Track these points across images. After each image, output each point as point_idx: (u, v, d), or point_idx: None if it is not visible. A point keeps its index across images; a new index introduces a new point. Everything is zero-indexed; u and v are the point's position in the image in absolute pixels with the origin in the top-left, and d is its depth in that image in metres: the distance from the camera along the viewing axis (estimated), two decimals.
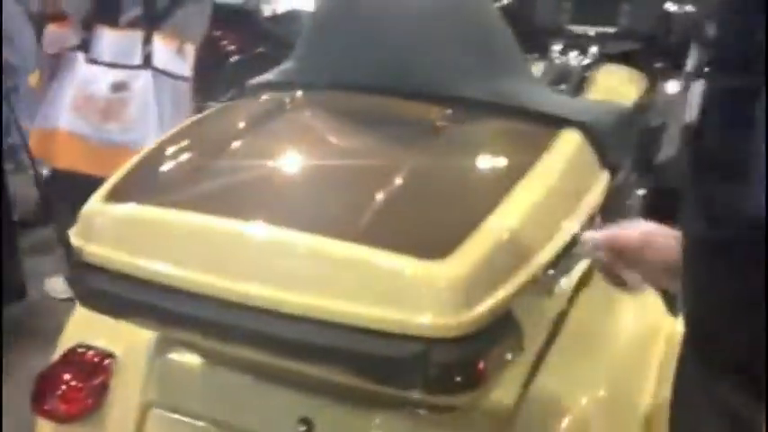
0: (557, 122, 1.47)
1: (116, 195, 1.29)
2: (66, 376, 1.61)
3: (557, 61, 2.42)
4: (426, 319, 1.05)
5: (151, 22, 2.72)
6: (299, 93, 1.60)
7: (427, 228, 1.16)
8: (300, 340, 1.11)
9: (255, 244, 1.16)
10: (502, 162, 1.41)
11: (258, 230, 1.17)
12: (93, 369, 1.60)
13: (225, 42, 4.47)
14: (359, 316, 1.07)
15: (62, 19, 2.75)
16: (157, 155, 1.40)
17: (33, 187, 3.84)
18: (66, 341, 1.67)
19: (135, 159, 1.40)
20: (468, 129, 1.49)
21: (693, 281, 0.85)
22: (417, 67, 1.54)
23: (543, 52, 2.47)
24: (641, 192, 2.36)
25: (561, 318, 1.48)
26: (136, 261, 1.21)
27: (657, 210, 1.20)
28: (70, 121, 2.74)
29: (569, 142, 1.44)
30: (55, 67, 2.84)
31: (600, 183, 1.47)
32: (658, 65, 2.56)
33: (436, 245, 1.09)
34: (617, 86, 2.37)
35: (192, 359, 1.46)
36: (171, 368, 1.48)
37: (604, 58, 2.45)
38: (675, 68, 2.53)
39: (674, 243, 1.01)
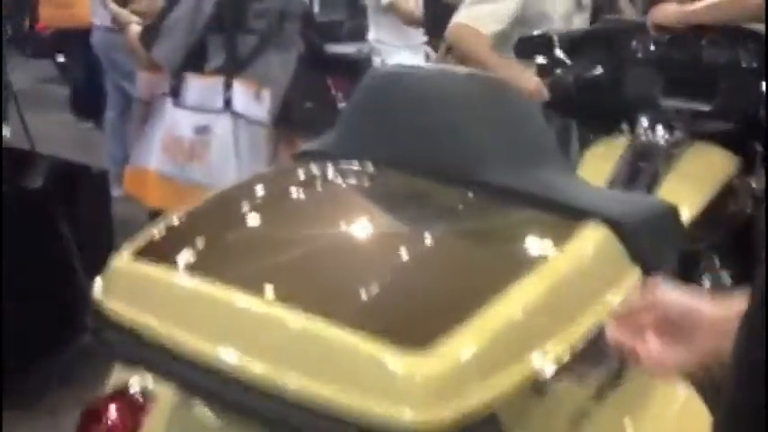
0: (582, 215, 1.41)
1: (144, 252, 1.34)
2: (109, 414, 1.65)
3: (643, 137, 2.34)
4: (400, 414, 1.02)
5: (233, 68, 2.82)
6: (333, 165, 1.62)
7: (418, 315, 1.14)
8: (280, 419, 1.11)
9: (248, 318, 1.18)
10: (514, 251, 1.36)
11: (253, 304, 1.18)
12: (135, 410, 1.64)
13: (336, 89, 4.60)
14: (337, 403, 1.05)
15: (155, 67, 2.90)
16: (194, 216, 1.45)
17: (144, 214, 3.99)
18: (116, 378, 1.72)
19: (172, 217, 1.45)
20: (487, 215, 1.46)
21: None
22: (446, 149, 1.53)
23: (631, 126, 2.40)
24: (730, 280, 2.24)
25: (583, 420, 1.40)
26: (148, 322, 1.25)
27: None
28: (159, 161, 2.87)
29: (592, 236, 1.38)
30: (146, 111, 3.00)
31: (628, 280, 1.40)
32: (758, 148, 2.43)
33: (421, 335, 1.06)
34: (704, 167, 2.26)
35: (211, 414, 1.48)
36: (191, 418, 1.51)
37: (695, 136, 2.35)
38: None
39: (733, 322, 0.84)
